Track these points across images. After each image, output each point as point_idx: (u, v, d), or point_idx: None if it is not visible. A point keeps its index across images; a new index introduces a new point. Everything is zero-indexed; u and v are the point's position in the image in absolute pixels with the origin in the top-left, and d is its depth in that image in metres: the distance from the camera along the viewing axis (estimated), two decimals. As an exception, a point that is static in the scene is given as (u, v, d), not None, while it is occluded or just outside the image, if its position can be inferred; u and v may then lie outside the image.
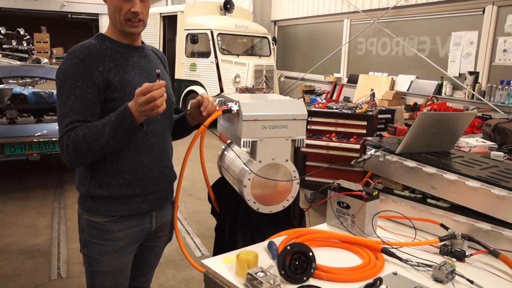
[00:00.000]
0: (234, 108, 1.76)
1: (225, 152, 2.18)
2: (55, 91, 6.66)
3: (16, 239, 3.98)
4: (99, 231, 1.67)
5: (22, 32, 15.71)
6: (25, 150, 5.03)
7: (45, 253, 3.72)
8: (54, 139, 5.12)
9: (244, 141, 1.74)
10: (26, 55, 14.50)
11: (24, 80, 7.94)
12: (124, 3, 1.58)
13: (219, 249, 2.04)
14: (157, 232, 1.85)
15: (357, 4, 9.10)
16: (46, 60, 13.26)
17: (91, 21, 25.31)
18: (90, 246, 1.71)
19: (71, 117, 1.52)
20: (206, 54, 9.64)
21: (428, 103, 6.70)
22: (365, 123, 4.55)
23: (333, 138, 4.61)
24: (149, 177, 1.71)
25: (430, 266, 1.38)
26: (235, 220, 1.97)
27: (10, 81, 7.77)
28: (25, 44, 15.41)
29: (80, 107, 1.53)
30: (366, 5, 8.87)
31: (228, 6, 10.47)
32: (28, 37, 16.25)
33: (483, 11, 6.51)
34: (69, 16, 23.94)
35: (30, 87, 7.38)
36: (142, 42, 1.78)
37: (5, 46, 15.49)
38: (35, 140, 5.07)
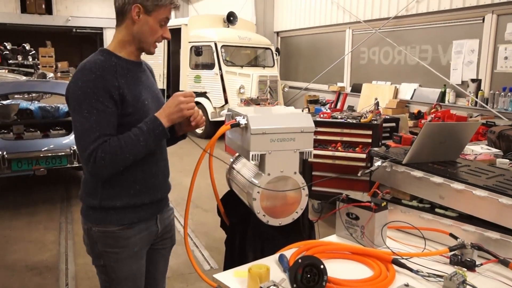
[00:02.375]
0: (242, 122, 1.79)
1: (234, 165, 2.21)
2: (61, 105, 6.77)
3: (23, 255, 3.97)
4: (114, 239, 1.73)
5: (27, 47, 15.88)
6: (32, 165, 5.02)
7: (53, 269, 3.72)
8: (61, 153, 5.13)
9: (253, 155, 1.77)
10: (32, 70, 14.62)
11: (31, 95, 7.99)
12: (159, 29, 1.70)
13: (229, 262, 2.06)
14: (162, 235, 1.92)
15: (358, 15, 9.17)
16: (51, 75, 13.36)
17: (95, 35, 25.51)
18: (105, 256, 1.74)
19: (99, 131, 1.56)
20: (210, 66, 9.73)
21: (432, 110, 6.72)
22: (370, 132, 4.56)
23: (339, 148, 4.63)
24: (156, 186, 1.81)
25: (441, 276, 1.39)
26: (245, 233, 1.99)
27: (15, 96, 7.85)
28: (30, 59, 15.55)
29: (104, 121, 1.58)
30: (368, 15, 8.94)
31: (231, 18, 10.58)
32: (34, 52, 16.41)
33: (483, 20, 6.55)
34: (74, 30, 24.21)
35: (36, 102, 7.44)
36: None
37: (10, 61, 15.64)
38: (42, 155, 5.07)
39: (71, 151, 5.14)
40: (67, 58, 23.78)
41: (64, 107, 6.81)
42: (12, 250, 4.07)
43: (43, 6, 22.44)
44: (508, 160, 3.38)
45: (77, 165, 5.24)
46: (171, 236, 2.00)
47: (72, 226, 4.68)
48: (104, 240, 1.73)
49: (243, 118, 1.80)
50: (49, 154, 5.10)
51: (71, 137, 5.39)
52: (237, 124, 1.80)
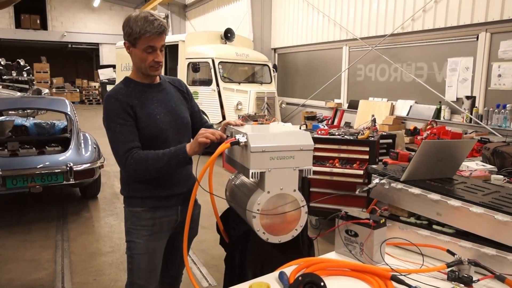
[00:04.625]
0: (242, 140, 1.82)
1: (233, 183, 2.23)
2: (57, 122, 6.72)
3: (18, 274, 3.90)
4: (138, 218, 2.12)
5: (22, 62, 15.77)
6: (27, 183, 4.93)
7: None
8: (56, 170, 5.05)
9: (252, 172, 1.79)
10: (27, 86, 14.53)
11: (26, 112, 7.96)
12: (149, 55, 2.02)
13: (229, 279, 2.07)
14: (184, 225, 2.03)
15: (355, 32, 9.31)
16: (46, 91, 13.28)
17: (91, 50, 25.55)
18: (130, 232, 2.15)
19: (125, 139, 1.97)
20: (207, 82, 9.80)
21: (428, 127, 6.78)
22: (367, 148, 4.60)
23: (337, 164, 4.66)
24: (176, 182, 2.14)
25: (439, 292, 1.41)
26: (245, 251, 2.00)
27: (10, 112, 7.82)
28: (25, 75, 15.41)
29: (127, 132, 1.99)
30: (364, 32, 9.08)
31: (229, 35, 10.70)
32: (28, 67, 16.30)
33: (477, 38, 6.67)
34: (69, 46, 24.24)
35: (31, 118, 7.42)
36: (160, 78, 2.21)
37: (5, 77, 15.51)
38: (37, 172, 4.97)
39: (68, 168, 5.07)
40: (63, 73, 23.81)
41: (60, 123, 6.73)
42: (7, 269, 4.00)
43: (38, 22, 22.50)
44: (502, 176, 3.42)
45: (73, 182, 5.18)
46: (194, 227, 2.29)
47: (68, 244, 4.62)
48: (131, 219, 2.14)
49: (243, 136, 1.83)
50: (45, 171, 5.01)
51: (67, 153, 5.37)
52: (237, 142, 1.82)
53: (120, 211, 5.75)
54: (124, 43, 2.07)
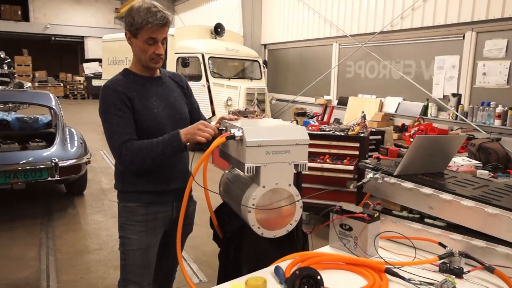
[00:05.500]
0: (238, 134, 1.81)
1: (227, 178, 2.24)
2: (40, 116, 6.51)
3: (2, 272, 3.80)
4: (132, 214, 2.09)
5: (2, 55, 15.11)
6: (10, 179, 4.74)
7: (34, 287, 3.57)
8: (41, 166, 4.86)
9: (248, 167, 1.79)
10: (8, 79, 14.07)
11: (8, 106, 7.56)
12: (150, 47, 1.98)
13: (223, 275, 2.08)
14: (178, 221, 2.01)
15: (345, 29, 9.36)
16: (29, 84, 12.85)
17: (76, 43, 24.65)
18: (124, 228, 2.11)
19: (121, 131, 1.93)
20: (197, 78, 9.75)
21: (416, 124, 6.88)
22: (357, 144, 4.65)
23: (327, 160, 4.70)
24: (168, 177, 2.10)
25: (432, 284, 1.45)
26: (240, 246, 2.01)
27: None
28: (5, 68, 14.82)
29: (124, 123, 1.95)
30: (354, 29, 9.14)
31: (219, 30, 10.62)
32: (9, 60, 15.59)
33: (463, 37, 6.78)
34: (53, 38, 23.31)
35: (13, 112, 7.15)
36: (161, 71, 2.18)
37: (-15, 70, 15.08)
38: (20, 168, 4.78)
39: (52, 164, 4.89)
40: (46, 67, 22.90)
41: (43, 118, 6.52)
42: (-9, 267, 3.90)
43: (19, 13, 21.54)
44: (487, 172, 3.51)
45: (59, 178, 5.01)
46: (189, 223, 2.29)
47: (53, 242, 4.51)
48: (125, 214, 2.10)
49: (238, 130, 1.83)
50: (28, 167, 4.82)
51: (52, 149, 5.19)
52: (232, 137, 1.82)
53: (108, 207, 5.68)
54: (125, 33, 2.03)
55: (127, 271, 2.12)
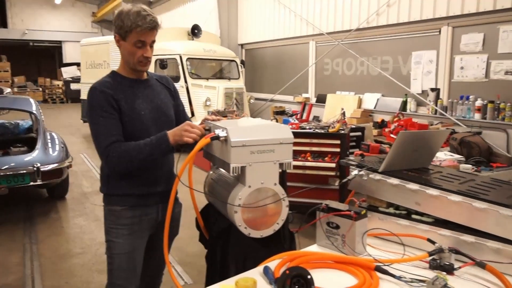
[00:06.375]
0: (222, 134, 1.79)
1: (211, 179, 2.19)
2: (21, 122, 6.51)
3: None
4: (116, 217, 2.08)
5: None
6: None
7: None
8: (22, 171, 4.90)
9: (233, 167, 1.76)
10: (-13, 85, 14.04)
11: None
12: (138, 50, 2.01)
13: (211, 276, 2.03)
14: (164, 224, 1.96)
15: (321, 27, 9.40)
16: (9, 90, 12.83)
17: (54, 48, 24.89)
18: (110, 231, 2.10)
19: (108, 133, 1.93)
20: (175, 79, 9.62)
21: (395, 119, 6.94)
22: (338, 141, 4.66)
23: (308, 158, 4.69)
24: (156, 180, 2.11)
25: (423, 281, 1.43)
26: (226, 246, 1.97)
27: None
28: None
29: (110, 125, 1.95)
30: (330, 27, 9.18)
31: (196, 31, 10.57)
32: None
33: (440, 32, 6.87)
34: (31, 44, 23.52)
35: (-8, 118, 7.19)
36: (148, 74, 2.19)
37: (-37, 76, 14.91)
38: (2, 173, 4.82)
39: (34, 169, 4.92)
40: (24, 72, 23.07)
41: (24, 123, 6.55)
42: (-28, 275, 3.84)
43: None
44: (470, 166, 3.55)
45: (41, 183, 5.03)
46: (174, 226, 2.27)
47: (37, 247, 4.47)
48: (110, 218, 2.10)
49: (222, 130, 1.80)
50: (10, 173, 4.85)
51: (34, 154, 5.22)
52: (217, 137, 1.79)
53: (90, 211, 5.64)
54: (114, 36, 2.04)
55: (113, 275, 2.12)
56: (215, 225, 2.08)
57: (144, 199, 2.09)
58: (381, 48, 8.09)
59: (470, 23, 6.39)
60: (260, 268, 1.60)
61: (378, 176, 1.95)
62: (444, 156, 3.61)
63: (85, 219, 5.34)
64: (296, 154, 4.72)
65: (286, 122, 6.07)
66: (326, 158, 4.67)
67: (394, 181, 1.88)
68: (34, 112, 5.85)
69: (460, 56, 6.53)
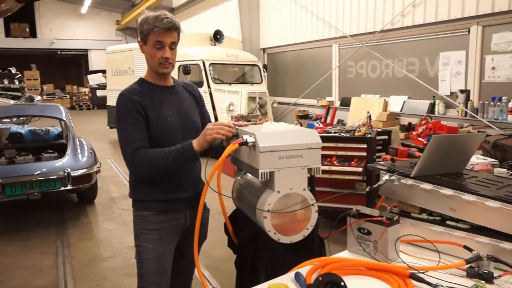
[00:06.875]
0: (250, 140, 1.78)
1: (239, 184, 2.19)
2: (51, 128, 6.73)
3: (20, 281, 3.87)
4: (146, 222, 2.11)
5: (13, 71, 15.75)
6: (26, 190, 4.92)
7: None
8: (54, 177, 5.05)
9: (262, 173, 1.75)
10: (19, 94, 14.59)
11: (21, 119, 7.95)
12: (157, 52, 2.03)
13: (241, 282, 2.02)
14: (192, 230, 1.99)
15: (344, 29, 9.31)
16: (39, 98, 13.30)
17: (80, 56, 25.62)
18: (139, 236, 2.13)
19: (134, 139, 1.97)
20: (199, 84, 9.71)
21: (423, 122, 6.78)
22: (365, 145, 4.59)
23: (334, 162, 4.64)
24: (184, 186, 2.12)
25: (461, 290, 1.38)
26: (256, 252, 1.96)
27: (3, 120, 7.82)
28: (16, 83, 15.44)
29: (137, 131, 1.99)
30: (354, 29, 9.08)
31: (218, 36, 10.63)
32: (20, 75, 16.31)
33: (469, 31, 6.69)
34: (59, 52, 24.34)
35: (25, 125, 7.40)
36: (174, 81, 2.23)
37: (-3, 85, 15.54)
38: (35, 179, 4.98)
39: (65, 174, 5.06)
40: (53, 80, 23.84)
41: (54, 129, 6.74)
42: (9, 277, 3.97)
43: (27, 30, 22.76)
44: (505, 170, 3.41)
45: (71, 187, 5.17)
46: (203, 231, 2.24)
47: (69, 250, 4.58)
48: (139, 223, 2.13)
49: (250, 136, 1.79)
50: (42, 178, 5.00)
51: (64, 159, 5.36)
52: (245, 143, 1.79)
53: (118, 215, 5.74)
54: (138, 42, 2.12)
55: (144, 279, 2.14)
56: (244, 230, 2.07)
57: (172, 204, 2.11)
58: (406, 49, 7.95)
59: (501, 21, 6.19)
60: (291, 274, 1.58)
61: (410, 181, 1.90)
62: (476, 160, 3.48)
63: (114, 223, 5.43)
64: (321, 159, 4.67)
65: (310, 126, 6.03)
66: (352, 163, 4.61)
67: (428, 186, 1.83)
68: (64, 119, 6.00)
69: (491, 56, 6.34)
